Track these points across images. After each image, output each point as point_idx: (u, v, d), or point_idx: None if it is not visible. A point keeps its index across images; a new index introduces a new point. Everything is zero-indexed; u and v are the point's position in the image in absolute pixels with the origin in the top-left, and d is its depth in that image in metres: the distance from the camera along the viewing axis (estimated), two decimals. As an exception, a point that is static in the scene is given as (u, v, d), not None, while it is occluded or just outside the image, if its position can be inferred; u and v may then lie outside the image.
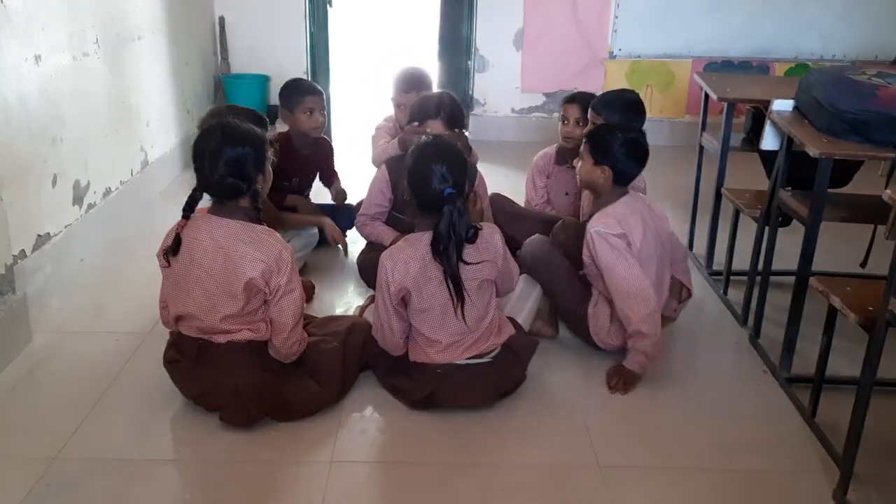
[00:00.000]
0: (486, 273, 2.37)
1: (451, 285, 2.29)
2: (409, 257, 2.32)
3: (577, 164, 2.74)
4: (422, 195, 2.34)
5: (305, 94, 3.36)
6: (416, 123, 2.99)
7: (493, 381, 2.42)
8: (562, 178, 3.36)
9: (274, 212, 3.04)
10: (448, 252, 2.25)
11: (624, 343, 2.64)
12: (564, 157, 3.32)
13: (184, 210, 2.26)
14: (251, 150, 2.21)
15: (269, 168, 2.32)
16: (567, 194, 3.34)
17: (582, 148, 2.70)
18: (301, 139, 3.43)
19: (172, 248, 2.24)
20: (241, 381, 2.26)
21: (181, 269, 2.25)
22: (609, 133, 2.64)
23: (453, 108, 3.00)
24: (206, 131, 2.26)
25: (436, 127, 2.94)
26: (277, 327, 2.27)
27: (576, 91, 3.41)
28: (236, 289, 2.19)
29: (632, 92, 3.14)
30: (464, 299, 2.31)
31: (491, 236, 2.40)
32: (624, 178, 2.64)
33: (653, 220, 2.68)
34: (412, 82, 3.40)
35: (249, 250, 2.19)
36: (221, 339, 2.26)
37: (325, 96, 3.45)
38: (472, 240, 2.31)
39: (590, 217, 2.67)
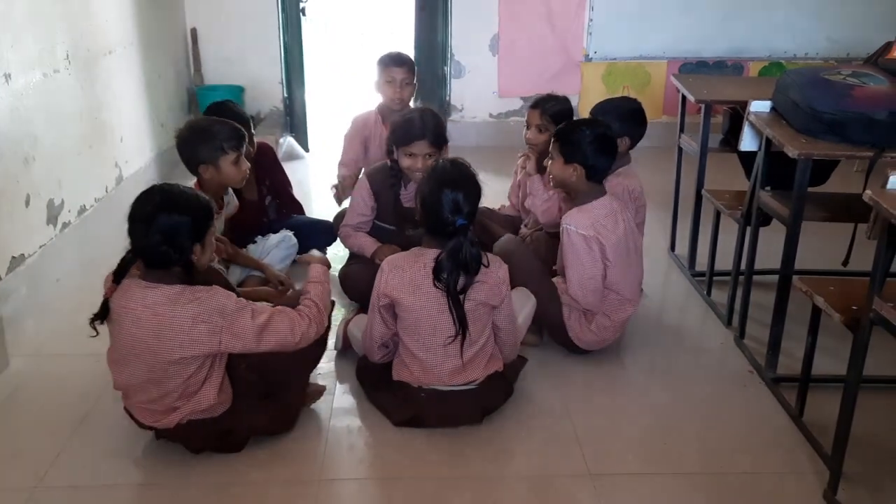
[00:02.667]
0: (483, 296, 2.33)
1: (452, 313, 2.26)
2: (406, 266, 2.31)
3: (539, 164, 2.77)
4: (432, 220, 2.32)
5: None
6: (393, 151, 2.94)
7: (479, 404, 2.40)
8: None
9: (229, 247, 2.96)
10: (449, 279, 2.24)
11: (601, 341, 2.70)
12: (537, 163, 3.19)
13: (115, 275, 2.08)
14: (188, 219, 2.04)
15: (211, 239, 2.15)
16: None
17: (551, 147, 2.69)
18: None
19: (100, 315, 2.08)
20: (194, 443, 2.21)
21: (117, 342, 2.10)
22: (576, 130, 2.63)
23: (437, 124, 2.95)
24: (145, 193, 2.08)
25: (422, 148, 2.87)
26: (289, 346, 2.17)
27: (540, 95, 3.29)
28: (177, 357, 2.04)
29: (633, 101, 3.11)
30: (466, 326, 2.28)
31: (496, 267, 2.37)
32: (597, 173, 2.63)
33: (629, 223, 2.69)
34: (398, 57, 3.44)
35: (185, 310, 2.01)
36: (167, 424, 2.14)
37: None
38: (474, 272, 2.28)
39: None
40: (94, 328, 2.08)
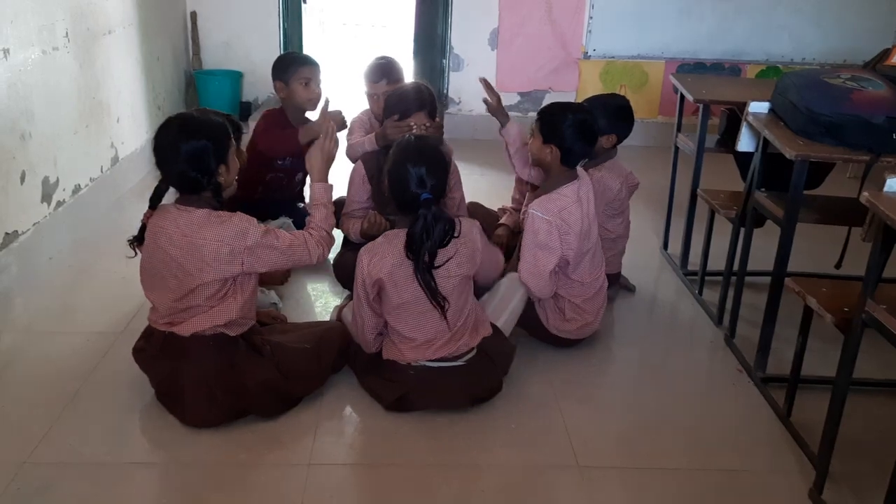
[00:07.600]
0: (464, 269, 2.36)
1: (424, 287, 2.28)
2: (386, 251, 2.32)
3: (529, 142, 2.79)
4: (399, 196, 2.34)
5: (302, 64, 3.31)
6: (395, 117, 2.95)
7: (467, 384, 2.40)
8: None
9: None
10: (419, 254, 2.25)
11: (582, 328, 2.71)
12: None
13: (151, 200, 2.28)
14: (209, 143, 2.18)
15: (234, 158, 2.28)
16: None
17: (533, 124, 2.72)
18: (295, 114, 3.35)
19: (138, 238, 2.29)
20: (202, 370, 2.24)
21: (151, 258, 2.25)
22: (559, 112, 2.65)
23: (433, 98, 2.98)
24: (164, 124, 2.23)
25: (420, 119, 2.90)
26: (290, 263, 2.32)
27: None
28: (206, 276, 2.18)
29: (621, 98, 3.11)
30: (441, 300, 2.30)
31: (469, 231, 2.39)
32: (571, 158, 2.64)
33: (594, 210, 2.71)
34: (381, 71, 3.39)
35: (211, 233, 2.17)
36: (186, 329, 2.24)
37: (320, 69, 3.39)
38: (446, 244, 2.30)
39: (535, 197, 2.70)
40: (134, 249, 2.31)
